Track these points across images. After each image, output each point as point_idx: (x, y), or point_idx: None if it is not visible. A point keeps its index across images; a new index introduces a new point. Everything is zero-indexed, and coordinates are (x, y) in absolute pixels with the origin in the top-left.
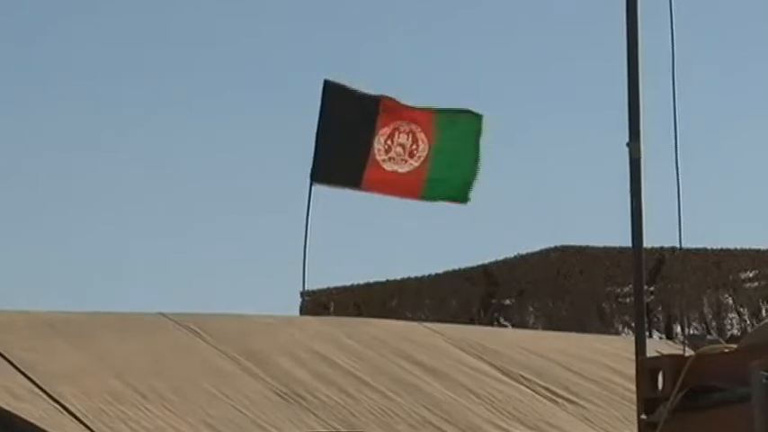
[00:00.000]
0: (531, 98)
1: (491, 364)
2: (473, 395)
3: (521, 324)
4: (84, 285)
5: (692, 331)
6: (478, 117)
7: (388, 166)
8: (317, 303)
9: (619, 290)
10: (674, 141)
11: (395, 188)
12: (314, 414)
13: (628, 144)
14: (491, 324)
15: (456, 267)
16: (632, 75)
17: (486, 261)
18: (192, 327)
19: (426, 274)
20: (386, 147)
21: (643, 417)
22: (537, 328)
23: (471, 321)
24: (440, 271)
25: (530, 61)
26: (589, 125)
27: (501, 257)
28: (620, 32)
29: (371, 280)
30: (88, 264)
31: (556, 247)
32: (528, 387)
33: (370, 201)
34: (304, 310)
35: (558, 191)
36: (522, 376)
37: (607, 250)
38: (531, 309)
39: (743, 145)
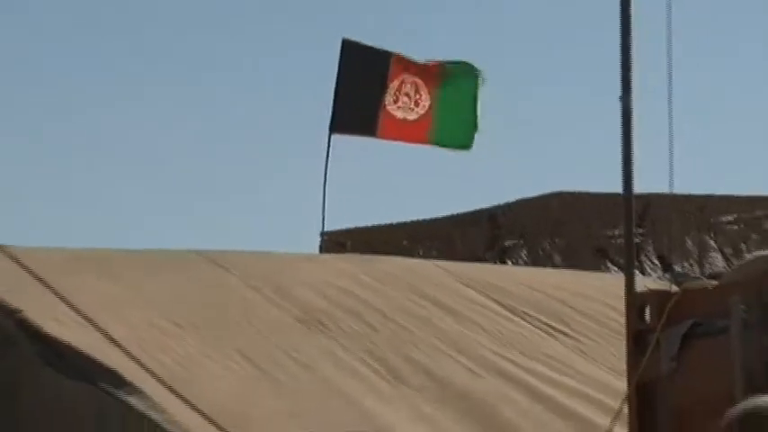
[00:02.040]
0: (534, 60)
1: (495, 300)
2: (479, 328)
3: (522, 263)
4: (118, 225)
5: (677, 270)
6: (477, 71)
7: (398, 114)
8: (334, 243)
9: (611, 232)
10: (667, 97)
11: (405, 134)
12: (335, 341)
13: (620, 97)
14: (495, 263)
15: (462, 211)
16: (625, 32)
17: (490, 205)
18: (220, 263)
19: (436, 216)
20: (394, 97)
21: None
22: (537, 267)
23: (477, 260)
24: (448, 214)
25: (531, 17)
26: (589, 79)
27: (504, 202)
28: None
29: (385, 222)
30: (121, 205)
31: (554, 193)
32: (528, 322)
33: (384, 150)
34: (323, 249)
35: (558, 140)
36: (524, 311)
37: (601, 196)
38: (531, 249)
39: (723, 104)
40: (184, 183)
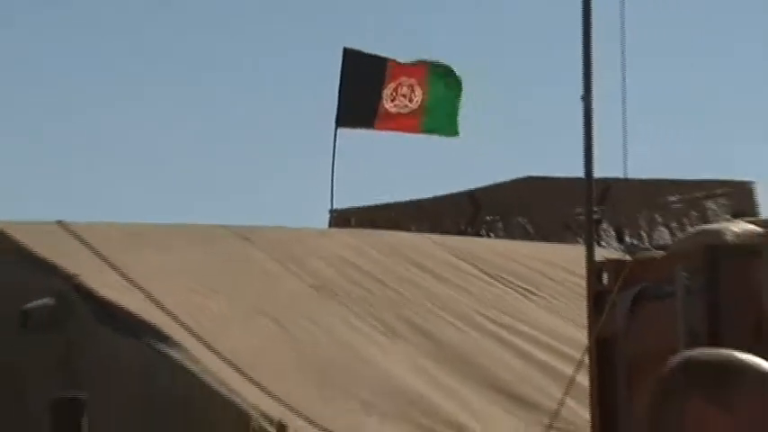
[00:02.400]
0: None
1: (477, 267)
2: (463, 290)
3: (499, 237)
4: (163, 203)
5: (630, 242)
6: (457, 76)
7: (393, 110)
8: (341, 219)
9: (575, 210)
10: (621, 103)
11: (399, 125)
12: (342, 304)
13: (582, 97)
14: (476, 236)
15: (448, 192)
16: (586, 40)
17: (472, 188)
18: (246, 236)
19: (427, 197)
20: (392, 96)
21: None
22: (512, 240)
23: (461, 234)
24: (438, 195)
25: (509, 20)
26: (561, 76)
27: (484, 185)
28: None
29: (383, 201)
30: (166, 184)
31: (525, 177)
32: (505, 285)
33: (384, 142)
34: (331, 224)
35: (530, 131)
36: (501, 276)
37: (566, 180)
38: (507, 225)
39: (673, 102)
40: (189, 179)
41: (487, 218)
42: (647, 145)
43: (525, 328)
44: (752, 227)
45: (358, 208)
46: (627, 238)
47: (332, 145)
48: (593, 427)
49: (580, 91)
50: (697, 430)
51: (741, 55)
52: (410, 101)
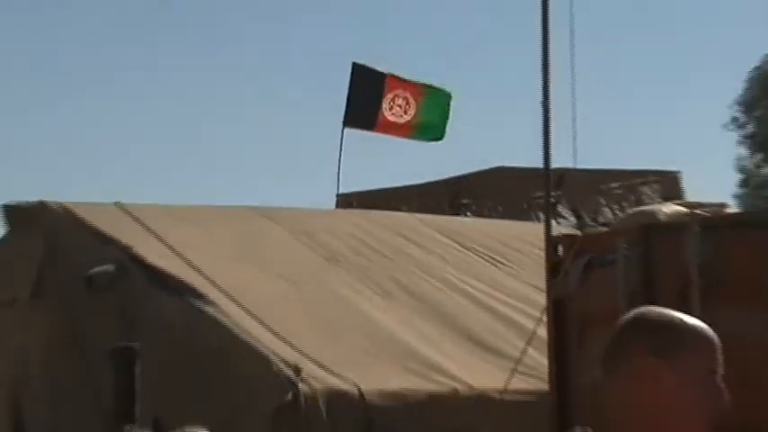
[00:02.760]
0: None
1: (455, 241)
2: (443, 260)
3: (473, 216)
4: (201, 187)
5: (581, 221)
6: (449, 93)
7: (391, 118)
8: (345, 202)
9: (537, 194)
10: (572, 107)
11: (395, 131)
12: (345, 270)
13: (541, 102)
14: (455, 216)
15: (433, 180)
16: (545, 52)
17: (452, 176)
18: (268, 216)
19: (414, 183)
20: (389, 105)
21: None
22: (483, 218)
23: (443, 214)
24: (422, 182)
25: (483, 33)
26: (525, 85)
27: (461, 174)
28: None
29: (380, 187)
30: (207, 174)
31: (496, 167)
32: (478, 255)
33: (381, 140)
34: (338, 206)
35: (499, 130)
36: (475, 248)
37: (529, 169)
38: (479, 206)
39: (619, 96)
40: (227, 171)
41: (464, 201)
42: (596, 139)
43: (495, 292)
44: (679, 208)
45: (359, 192)
46: (578, 218)
47: (339, 141)
48: (549, 371)
49: (540, 97)
50: (641, 376)
51: (684, 60)
52: (405, 112)
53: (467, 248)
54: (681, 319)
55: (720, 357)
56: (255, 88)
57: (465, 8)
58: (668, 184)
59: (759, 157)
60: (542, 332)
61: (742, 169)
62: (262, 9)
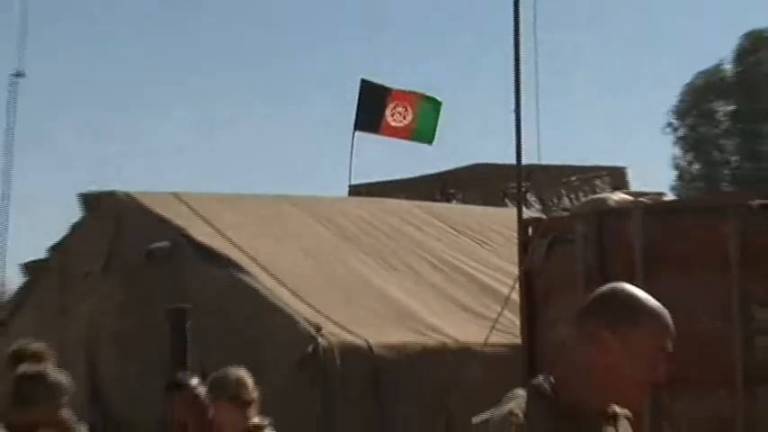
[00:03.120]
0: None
1: (446, 224)
2: (436, 239)
3: (460, 203)
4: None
5: (546, 207)
6: (439, 101)
7: (392, 123)
8: (356, 191)
9: (511, 185)
10: (536, 116)
11: (395, 134)
12: (356, 247)
13: (513, 110)
14: (446, 203)
15: (425, 174)
16: (516, 64)
17: (441, 171)
18: (293, 203)
19: (411, 176)
20: (391, 113)
21: None
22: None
23: (435, 201)
24: (417, 175)
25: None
26: (501, 94)
27: (449, 169)
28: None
29: (383, 179)
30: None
31: (477, 164)
32: (465, 236)
33: (384, 141)
34: (350, 194)
35: (479, 133)
36: (460, 229)
37: (504, 165)
38: (465, 195)
39: (577, 103)
40: (262, 165)
41: (451, 191)
42: (557, 138)
43: (477, 265)
44: (625, 197)
45: (367, 184)
46: (543, 205)
47: (351, 142)
48: (521, 329)
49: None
50: (595, 343)
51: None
52: (404, 118)
53: (455, 230)
54: (641, 301)
55: (669, 335)
56: (284, 101)
57: (450, 29)
58: (616, 178)
59: (690, 156)
60: (515, 297)
61: (677, 166)
62: (287, 38)
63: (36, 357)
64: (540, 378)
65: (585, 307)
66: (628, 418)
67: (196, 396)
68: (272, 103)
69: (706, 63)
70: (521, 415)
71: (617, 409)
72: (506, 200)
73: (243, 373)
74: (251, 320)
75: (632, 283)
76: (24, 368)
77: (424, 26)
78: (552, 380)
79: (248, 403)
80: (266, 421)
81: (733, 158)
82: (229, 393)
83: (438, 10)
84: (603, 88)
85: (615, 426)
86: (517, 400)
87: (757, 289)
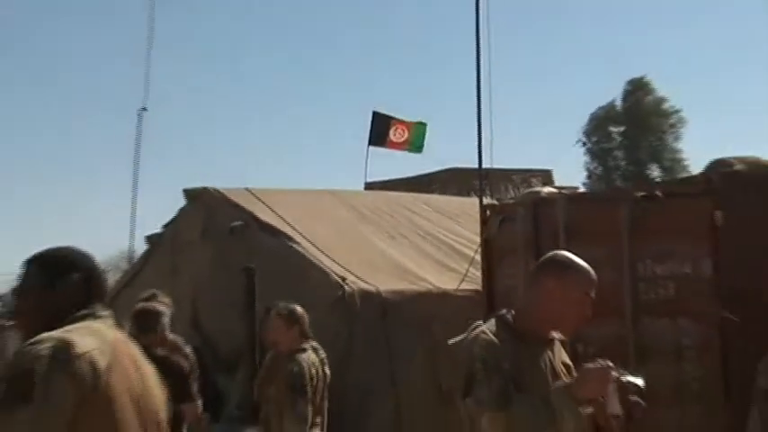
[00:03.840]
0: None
1: (431, 208)
2: (425, 219)
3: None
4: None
5: (499, 197)
6: (425, 124)
7: (395, 140)
8: (370, 187)
9: (475, 183)
10: (489, 124)
11: (397, 147)
12: (371, 225)
13: (477, 131)
14: (431, 194)
15: (417, 174)
16: (478, 78)
17: (427, 172)
18: (329, 194)
19: (407, 176)
20: (393, 133)
21: None
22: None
23: (423, 193)
24: (411, 175)
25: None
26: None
27: (432, 171)
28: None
29: (388, 178)
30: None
31: (450, 168)
32: (447, 216)
33: (389, 153)
34: (365, 189)
35: (454, 145)
36: (444, 212)
37: (470, 168)
38: (444, 190)
39: (519, 118)
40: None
41: (434, 186)
42: (507, 147)
43: (454, 236)
44: (552, 190)
45: (379, 181)
46: (497, 196)
47: (366, 152)
48: (482, 280)
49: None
50: (542, 288)
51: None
52: (402, 137)
53: (440, 212)
54: (575, 261)
55: (593, 285)
56: (317, 129)
57: (433, 65)
58: (546, 177)
59: (595, 163)
60: (478, 258)
61: (587, 170)
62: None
63: (151, 300)
64: (504, 311)
65: (538, 265)
66: (561, 341)
67: (279, 318)
68: (310, 132)
69: (604, 100)
70: (490, 335)
71: (555, 334)
72: (472, 192)
73: (299, 308)
74: (298, 275)
75: (558, 249)
76: (141, 305)
77: (415, 62)
78: (512, 313)
79: (304, 326)
80: (312, 342)
81: (623, 164)
82: (293, 319)
83: (423, 50)
84: (538, 112)
85: (552, 348)
86: (487, 325)
87: (640, 251)
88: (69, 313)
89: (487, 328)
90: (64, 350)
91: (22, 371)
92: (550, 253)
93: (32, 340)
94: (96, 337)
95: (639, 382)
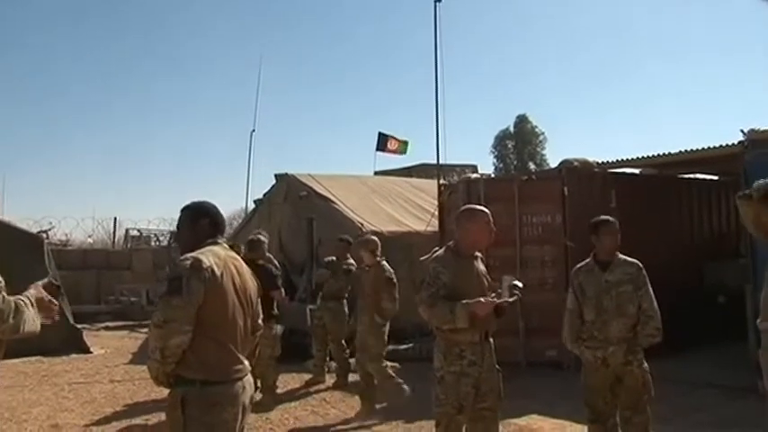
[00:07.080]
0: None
1: (414, 187)
2: (410, 192)
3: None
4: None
5: (450, 180)
6: (407, 141)
7: (391, 147)
8: (377, 174)
9: (435, 172)
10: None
11: (391, 152)
12: (379, 195)
13: (435, 137)
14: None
15: (403, 166)
16: (437, 89)
17: (409, 165)
18: (355, 177)
19: (397, 168)
20: (391, 144)
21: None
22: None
23: (408, 177)
24: (399, 167)
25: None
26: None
27: (412, 164)
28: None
29: (388, 168)
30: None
31: (422, 163)
32: (420, 190)
33: (388, 157)
34: (375, 175)
35: (425, 148)
36: (421, 189)
37: (433, 164)
38: (421, 176)
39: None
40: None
41: (413, 173)
42: (453, 149)
43: (424, 201)
44: (477, 175)
45: (382, 170)
46: (447, 179)
47: (373, 155)
48: (439, 225)
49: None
50: (465, 225)
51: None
52: (394, 147)
53: (416, 188)
54: (478, 208)
55: (490, 222)
56: (349, 140)
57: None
58: (473, 169)
59: (499, 162)
60: (437, 213)
61: (494, 166)
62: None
63: (256, 233)
64: (450, 243)
65: (458, 214)
66: (480, 258)
67: (362, 247)
68: (343, 142)
69: (504, 126)
70: (442, 254)
71: (477, 253)
72: (433, 177)
73: (374, 237)
74: (338, 224)
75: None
76: (251, 237)
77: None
78: (453, 242)
79: (377, 250)
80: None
81: (514, 163)
82: (365, 246)
83: (410, 81)
84: (470, 130)
85: (476, 260)
86: (441, 250)
87: (523, 209)
88: (202, 242)
89: (441, 251)
90: (197, 264)
91: (176, 275)
92: (463, 207)
93: (181, 258)
94: (216, 256)
95: (519, 283)
